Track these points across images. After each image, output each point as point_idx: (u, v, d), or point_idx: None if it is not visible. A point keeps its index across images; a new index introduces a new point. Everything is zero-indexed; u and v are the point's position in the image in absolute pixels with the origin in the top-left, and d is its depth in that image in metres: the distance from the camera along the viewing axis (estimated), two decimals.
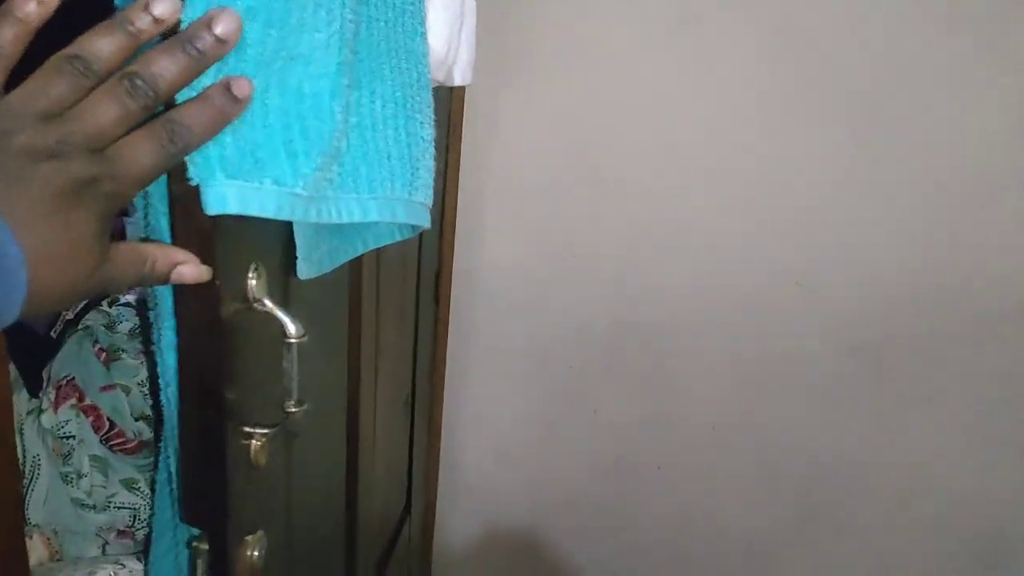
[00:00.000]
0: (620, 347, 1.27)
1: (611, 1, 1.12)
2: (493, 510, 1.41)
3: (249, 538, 0.58)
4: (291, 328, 0.55)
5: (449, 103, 1.13)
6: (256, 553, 0.59)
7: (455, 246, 1.25)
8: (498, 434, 1.36)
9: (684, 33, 1.11)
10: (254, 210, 0.48)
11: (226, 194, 0.46)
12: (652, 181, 1.19)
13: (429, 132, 0.64)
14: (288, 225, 0.60)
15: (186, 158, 0.42)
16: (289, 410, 0.57)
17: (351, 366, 0.81)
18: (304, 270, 0.63)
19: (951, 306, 1.14)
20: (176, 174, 0.44)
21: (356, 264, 0.77)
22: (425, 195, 0.65)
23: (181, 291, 0.49)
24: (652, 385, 1.28)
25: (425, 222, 0.66)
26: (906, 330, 1.16)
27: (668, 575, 1.37)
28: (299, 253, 0.62)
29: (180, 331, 0.51)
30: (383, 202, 0.59)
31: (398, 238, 0.70)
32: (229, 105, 0.42)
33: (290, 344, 0.55)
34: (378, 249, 0.69)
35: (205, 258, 0.47)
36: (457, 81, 0.93)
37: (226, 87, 0.41)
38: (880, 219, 1.13)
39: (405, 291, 1.06)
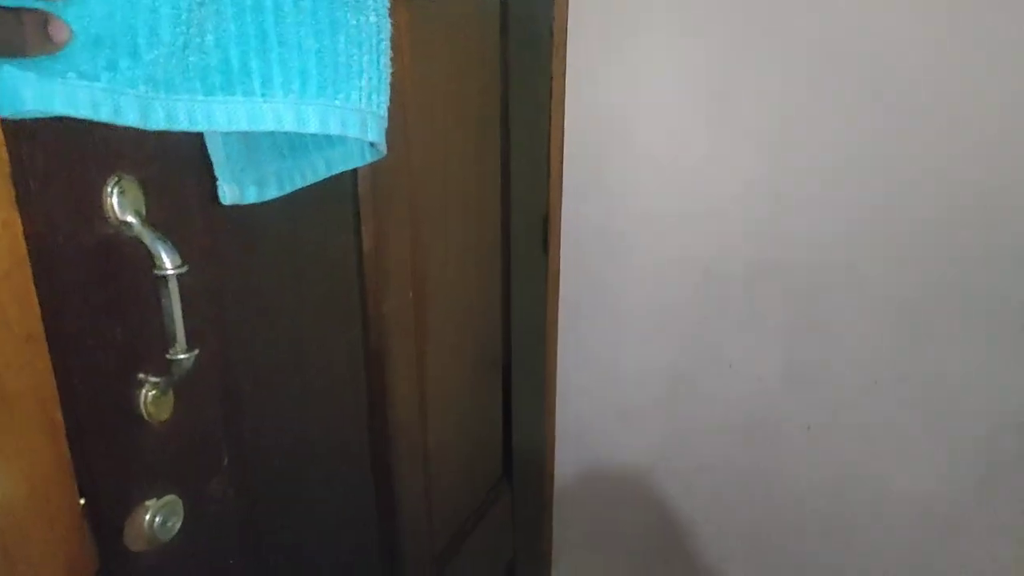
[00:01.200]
0: (758, 291, 1.05)
1: None
2: (618, 476, 1.26)
3: (149, 503, 0.51)
4: (164, 259, 0.46)
5: (551, 10, 0.97)
6: (159, 520, 0.51)
7: (563, 187, 1.11)
8: (620, 393, 1.20)
9: None
10: (61, 107, 0.38)
11: (19, 88, 0.37)
12: (795, 110, 0.96)
13: (365, 18, 0.51)
14: (199, 137, 0.51)
15: None
16: (175, 357, 0.47)
17: (367, 317, 0.71)
18: (229, 195, 0.53)
19: None
20: None
21: (359, 208, 0.67)
22: (368, 100, 0.52)
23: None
24: (796, 333, 1.05)
25: (370, 134, 0.53)
26: None
27: (819, 548, 1.15)
28: (217, 172, 0.52)
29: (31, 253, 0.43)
30: (287, 106, 0.47)
31: (366, 160, 0.58)
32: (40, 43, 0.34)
33: (164, 277, 0.46)
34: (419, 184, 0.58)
35: (40, 173, 0.39)
36: None
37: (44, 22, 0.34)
38: None
39: (479, 235, 0.94)
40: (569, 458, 1.27)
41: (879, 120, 0.93)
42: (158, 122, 0.42)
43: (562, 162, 1.09)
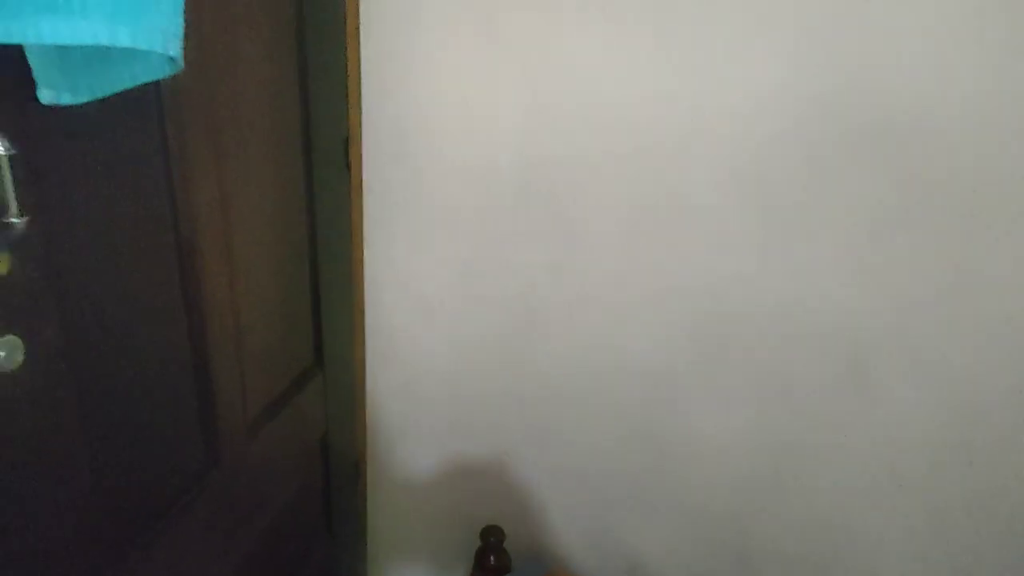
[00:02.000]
0: (529, 205, 1.27)
1: None
2: (420, 360, 1.47)
3: None
4: None
5: None
6: (3, 355, 0.65)
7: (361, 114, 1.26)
8: (418, 288, 1.40)
9: None
10: None
11: None
12: (552, 38, 1.16)
13: None
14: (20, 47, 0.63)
15: None
16: (7, 221, 0.61)
17: (177, 211, 0.85)
18: (47, 96, 0.66)
19: (827, 134, 1.09)
20: None
21: (163, 107, 0.81)
22: (168, 21, 0.66)
23: None
24: (555, 234, 1.28)
25: (170, 49, 0.67)
26: (786, 162, 1.13)
27: (576, 408, 1.42)
28: (36, 77, 0.65)
29: None
30: (91, 24, 0.60)
31: (166, 73, 0.72)
32: None
33: None
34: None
35: None
36: None
37: None
38: (755, 60, 1.08)
39: (282, 150, 1.08)
40: (378, 347, 1.46)
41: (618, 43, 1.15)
42: None
43: (360, 92, 1.25)
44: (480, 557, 1.55)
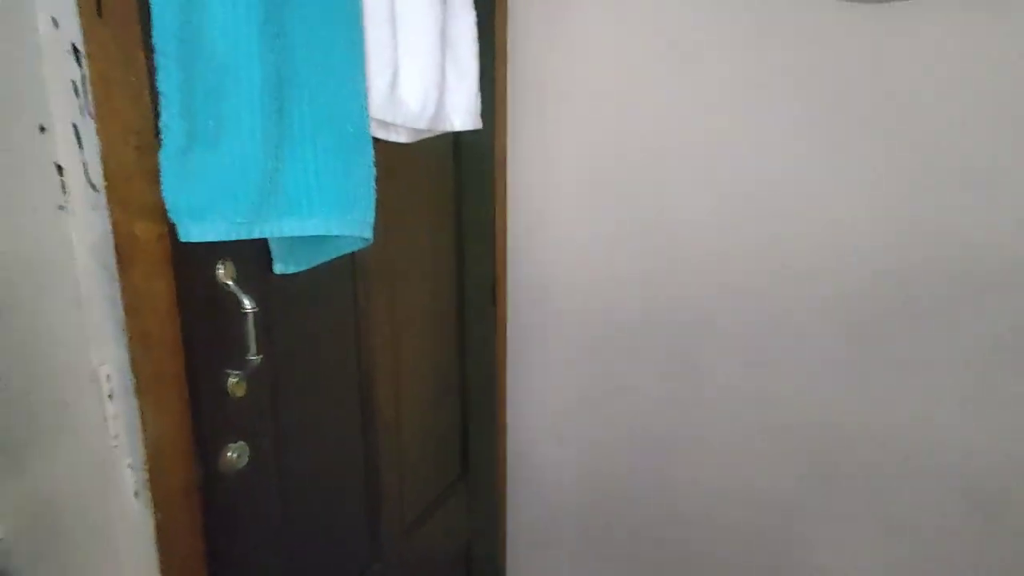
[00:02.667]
0: (650, 341, 1.44)
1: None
2: (553, 480, 1.62)
3: (231, 445, 0.88)
4: (246, 303, 0.84)
5: (491, 139, 1.38)
6: (234, 456, 0.88)
7: (507, 263, 1.50)
8: (552, 414, 1.58)
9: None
10: (210, 236, 0.77)
11: (191, 229, 0.75)
12: (664, 201, 1.36)
13: (365, 164, 0.90)
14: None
15: (167, 204, 0.72)
16: (248, 358, 0.85)
17: (360, 349, 1.09)
18: (279, 268, 0.92)
19: (927, 282, 1.19)
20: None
21: (355, 271, 1.06)
22: (364, 214, 0.91)
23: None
24: (676, 371, 1.43)
25: (365, 233, 0.91)
26: (889, 305, 1.24)
27: (702, 537, 1.51)
28: (273, 255, 0.91)
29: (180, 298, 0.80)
30: (317, 221, 0.86)
31: (360, 246, 0.97)
32: None
33: (245, 313, 0.84)
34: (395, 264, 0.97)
35: (187, 260, 0.78)
36: (457, 127, 1.17)
37: None
38: (860, 210, 1.22)
39: (440, 295, 1.33)
40: (516, 465, 1.63)
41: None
42: (254, 235, 0.80)
43: (506, 244, 1.49)
44: None
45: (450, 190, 1.34)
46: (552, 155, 1.43)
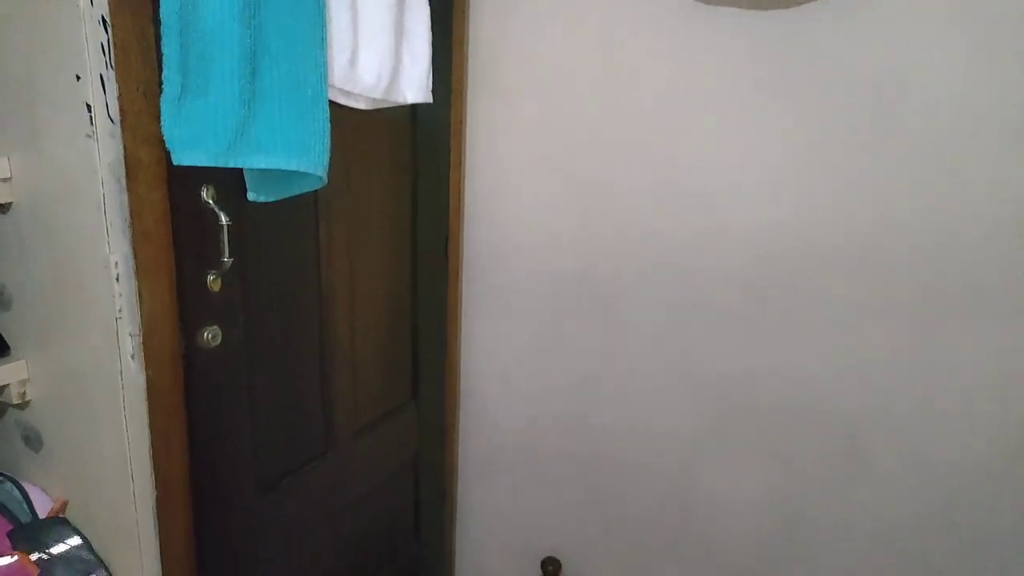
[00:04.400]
0: (584, 296, 1.70)
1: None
2: (501, 418, 1.89)
3: (207, 327, 1.16)
4: (223, 218, 1.12)
5: (448, 112, 1.65)
6: (210, 336, 1.16)
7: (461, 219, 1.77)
8: (501, 361, 1.85)
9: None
10: (195, 162, 1.04)
11: (182, 156, 1.03)
12: (601, 178, 1.62)
13: (320, 118, 1.18)
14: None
15: (165, 136, 1.00)
16: (223, 260, 1.13)
17: (320, 274, 1.37)
18: (252, 196, 1.20)
19: (808, 252, 1.46)
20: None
21: (318, 211, 1.34)
22: (320, 157, 1.18)
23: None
24: (605, 323, 1.69)
25: (319, 172, 1.19)
26: (780, 270, 1.50)
27: (621, 466, 1.77)
28: (248, 186, 1.19)
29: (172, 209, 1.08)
30: (279, 158, 1.13)
31: (318, 185, 1.24)
32: None
33: (222, 224, 1.12)
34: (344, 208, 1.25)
35: (175, 181, 1.06)
36: (410, 100, 1.45)
37: None
38: (758, 196, 1.48)
39: (396, 245, 1.60)
40: (469, 400, 1.91)
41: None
42: (228, 164, 1.08)
43: (460, 203, 1.76)
44: None
45: (407, 154, 1.61)
46: (504, 133, 1.70)
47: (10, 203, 1.11)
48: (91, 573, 1.13)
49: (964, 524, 1.46)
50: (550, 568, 1.88)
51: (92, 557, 1.15)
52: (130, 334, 1.07)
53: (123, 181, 1.01)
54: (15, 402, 1.17)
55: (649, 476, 1.74)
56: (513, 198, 1.72)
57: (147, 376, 1.08)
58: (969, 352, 1.39)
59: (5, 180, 1.09)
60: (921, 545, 1.50)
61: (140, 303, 1.06)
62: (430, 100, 1.48)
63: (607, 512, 1.82)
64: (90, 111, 0.99)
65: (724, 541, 1.69)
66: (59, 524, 1.16)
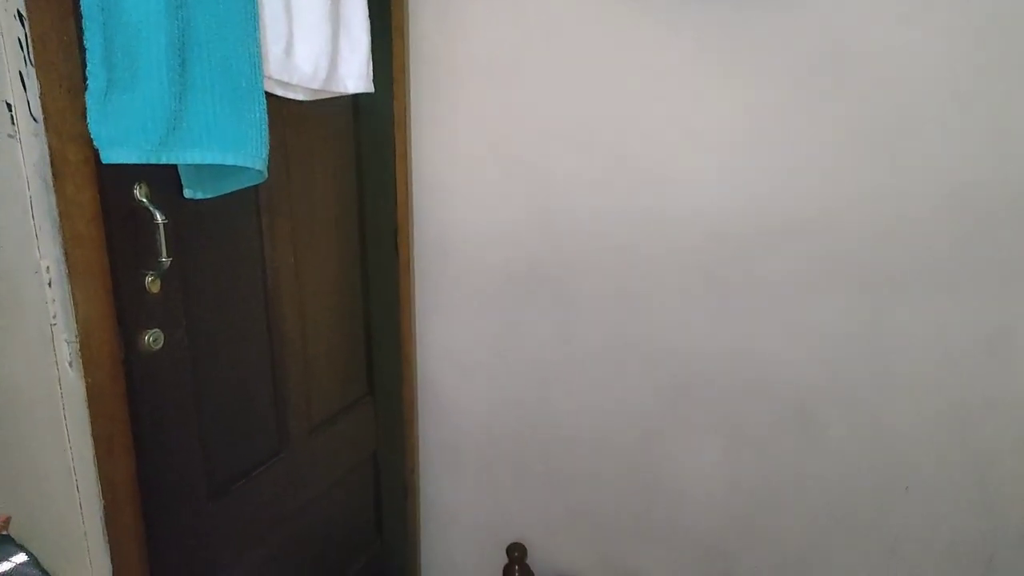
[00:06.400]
0: (536, 284, 1.70)
1: None
2: (460, 411, 1.88)
3: (148, 332, 1.12)
4: (158, 216, 1.08)
5: (390, 103, 1.62)
6: (151, 340, 1.13)
7: (409, 213, 1.75)
8: (457, 355, 1.83)
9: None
10: (125, 159, 1.01)
11: (110, 154, 1.00)
12: (547, 165, 1.61)
13: (258, 111, 1.15)
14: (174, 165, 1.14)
15: (92, 134, 0.96)
16: (160, 260, 1.10)
17: (265, 269, 1.34)
18: (188, 193, 1.17)
19: (751, 228, 1.47)
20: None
21: (259, 205, 1.31)
22: (258, 149, 1.15)
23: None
24: (558, 310, 1.69)
25: (258, 165, 1.15)
26: (727, 248, 1.51)
27: (582, 448, 1.77)
28: (183, 182, 1.16)
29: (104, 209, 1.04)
30: (214, 153, 1.10)
31: (258, 180, 1.21)
32: None
33: (157, 223, 1.08)
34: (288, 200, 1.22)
35: (106, 180, 1.02)
36: (351, 89, 1.42)
37: None
38: (702, 176, 1.48)
39: (342, 239, 1.58)
40: (427, 394, 1.89)
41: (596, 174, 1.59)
42: (160, 160, 1.04)
43: (408, 195, 1.74)
44: (507, 571, 1.89)
45: (351, 146, 1.58)
46: (450, 122, 1.68)
47: None
48: None
49: (917, 488, 1.49)
50: (516, 554, 1.88)
51: (39, 573, 1.11)
52: (66, 340, 1.03)
53: (50, 182, 0.97)
54: None
55: (610, 458, 1.74)
56: (462, 188, 1.70)
57: (87, 383, 1.05)
58: (918, 325, 1.41)
59: None
60: (877, 512, 1.53)
61: (75, 308, 1.02)
62: (371, 89, 1.46)
63: (570, 495, 1.82)
64: (11, 110, 0.94)
65: (688, 518, 1.71)
66: (3, 541, 1.12)
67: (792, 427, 1.55)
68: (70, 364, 1.04)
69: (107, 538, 1.09)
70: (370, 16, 1.41)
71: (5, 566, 1.10)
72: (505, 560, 1.90)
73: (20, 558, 1.11)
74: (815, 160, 1.40)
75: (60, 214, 0.98)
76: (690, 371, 1.61)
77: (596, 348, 1.67)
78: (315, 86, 1.32)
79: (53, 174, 0.97)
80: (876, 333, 1.44)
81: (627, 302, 1.62)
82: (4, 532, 1.14)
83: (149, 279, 1.11)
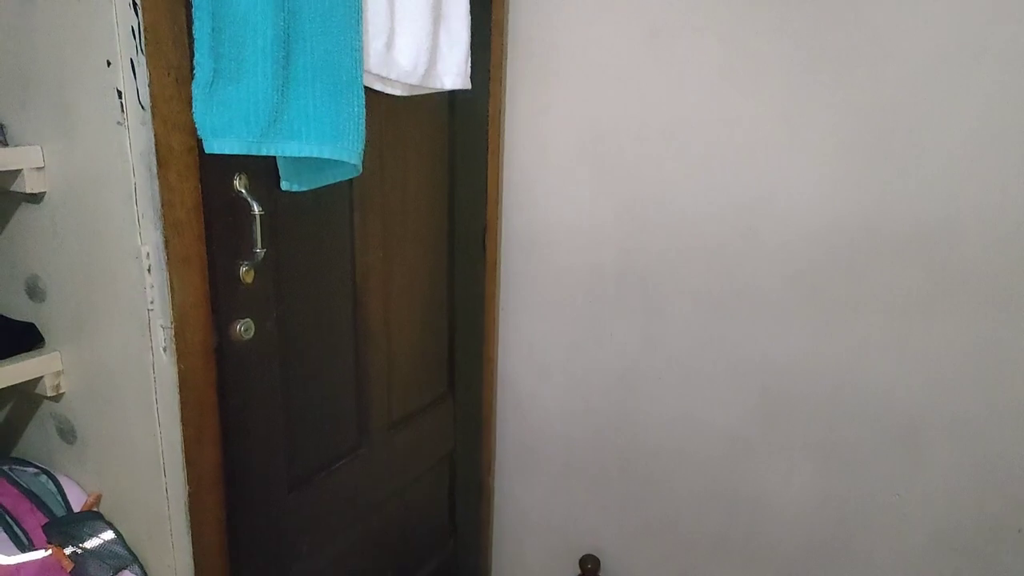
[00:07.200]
0: (623, 289, 1.65)
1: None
2: (537, 413, 1.85)
3: (240, 321, 1.13)
4: (255, 207, 1.09)
5: (486, 100, 1.60)
6: (243, 329, 1.14)
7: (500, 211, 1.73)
8: (537, 356, 1.80)
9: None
10: (227, 150, 1.01)
11: (213, 144, 1.00)
12: (642, 166, 1.57)
13: (356, 106, 1.14)
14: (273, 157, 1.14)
15: (196, 123, 0.97)
16: (255, 251, 1.10)
17: (354, 263, 1.34)
18: (285, 185, 1.17)
19: (856, 241, 1.39)
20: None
21: (352, 200, 1.31)
22: (355, 144, 1.14)
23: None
24: (645, 316, 1.64)
25: (353, 159, 1.15)
26: (826, 260, 1.43)
27: (663, 461, 1.71)
28: (281, 174, 1.16)
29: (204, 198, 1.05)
30: (312, 145, 1.10)
31: (353, 174, 1.21)
32: None
33: (254, 215, 1.09)
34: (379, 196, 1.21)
35: (207, 170, 1.03)
36: (448, 86, 1.40)
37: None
38: (807, 180, 1.41)
39: (432, 234, 1.56)
40: (507, 394, 1.87)
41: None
42: (261, 152, 1.05)
43: (498, 193, 1.71)
44: None
45: (445, 143, 1.57)
46: (542, 120, 1.65)
47: (43, 192, 1.09)
48: (124, 568, 1.11)
49: None
50: (589, 566, 1.84)
51: (125, 552, 1.13)
52: (162, 326, 1.04)
53: (154, 170, 0.98)
54: (49, 394, 1.16)
55: (692, 471, 1.68)
56: (551, 187, 1.67)
57: (179, 369, 1.06)
58: None
59: (38, 169, 1.07)
60: (982, 552, 1.42)
61: (172, 295, 1.03)
62: (468, 87, 1.44)
63: (648, 509, 1.77)
64: (121, 98, 0.96)
65: (772, 539, 1.63)
66: (93, 518, 1.15)
67: (894, 452, 1.46)
68: (164, 350, 1.05)
69: (190, 523, 1.10)
70: (471, 11, 1.39)
71: (93, 542, 1.12)
72: (577, 570, 1.86)
73: (108, 535, 1.14)
74: (933, 166, 1.31)
75: (163, 201, 0.99)
76: (784, 386, 1.53)
77: (683, 356, 1.62)
78: (413, 81, 1.30)
79: (158, 162, 0.98)
80: (997, 358, 1.33)
81: (718, 311, 1.55)
82: (95, 509, 1.16)
83: (243, 269, 1.11)
